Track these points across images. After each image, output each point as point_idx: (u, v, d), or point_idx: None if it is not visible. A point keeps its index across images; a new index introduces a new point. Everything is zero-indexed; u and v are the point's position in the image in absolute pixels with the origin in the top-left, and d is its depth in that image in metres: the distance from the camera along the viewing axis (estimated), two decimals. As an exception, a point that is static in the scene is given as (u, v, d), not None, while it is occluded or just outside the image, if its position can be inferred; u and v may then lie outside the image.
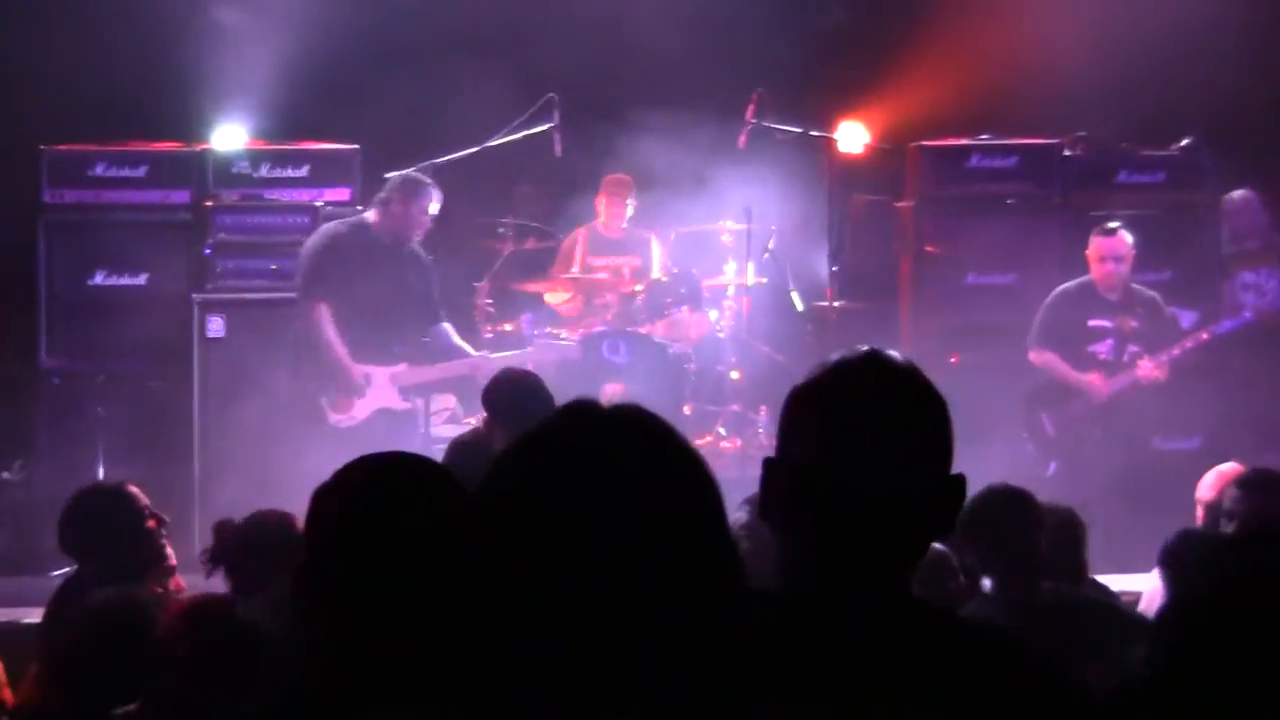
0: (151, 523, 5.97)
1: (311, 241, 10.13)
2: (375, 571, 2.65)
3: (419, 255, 10.21)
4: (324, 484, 2.83)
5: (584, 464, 1.76)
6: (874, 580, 2.46)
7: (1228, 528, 6.39)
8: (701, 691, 1.74)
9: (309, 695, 2.70)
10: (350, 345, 9.87)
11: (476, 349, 10.45)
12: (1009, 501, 5.75)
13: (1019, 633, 2.53)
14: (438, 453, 10.26)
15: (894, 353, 2.58)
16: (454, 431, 11.80)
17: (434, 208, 10.07)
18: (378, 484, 2.77)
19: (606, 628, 1.70)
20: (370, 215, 10.14)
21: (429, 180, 10.17)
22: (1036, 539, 5.63)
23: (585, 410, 1.83)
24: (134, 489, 6.12)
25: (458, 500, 2.66)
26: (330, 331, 9.87)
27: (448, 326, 10.26)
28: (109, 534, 5.88)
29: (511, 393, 7.70)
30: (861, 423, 2.47)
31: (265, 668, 4.26)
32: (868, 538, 2.45)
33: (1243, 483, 6.48)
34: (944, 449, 2.51)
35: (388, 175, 11.11)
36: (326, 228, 10.23)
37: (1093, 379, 10.41)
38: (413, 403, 10.13)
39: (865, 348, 2.56)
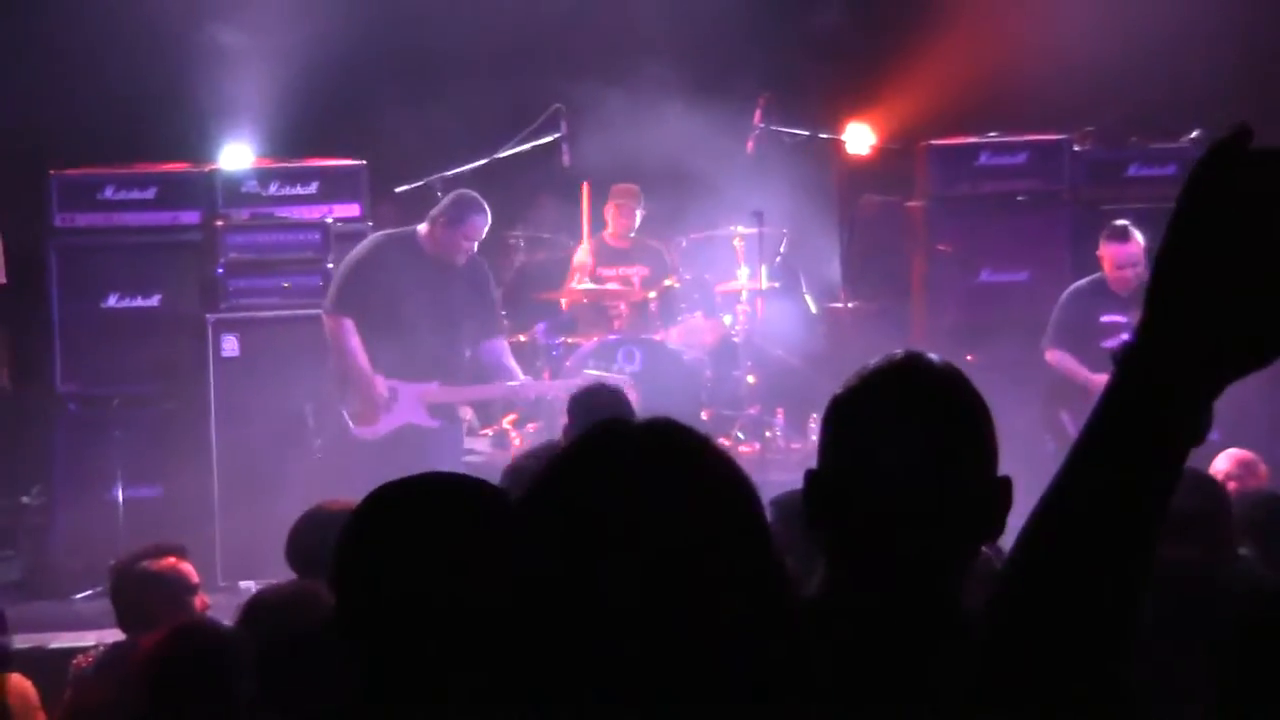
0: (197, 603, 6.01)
1: (354, 252, 10.07)
2: (414, 602, 2.59)
3: (476, 271, 10.11)
4: (358, 509, 2.74)
5: (624, 481, 1.75)
6: (915, 588, 2.45)
7: (1243, 545, 6.36)
8: (752, 703, 1.73)
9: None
10: (381, 359, 9.80)
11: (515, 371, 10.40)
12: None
13: None
14: (465, 466, 10.31)
15: (933, 356, 2.55)
16: (469, 443, 11.83)
17: (482, 233, 9.93)
18: (416, 511, 2.69)
19: (656, 645, 1.69)
20: (422, 228, 10.09)
21: (480, 204, 9.94)
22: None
23: (617, 429, 1.82)
24: None
25: (503, 524, 2.59)
26: (353, 341, 9.80)
27: (503, 344, 10.18)
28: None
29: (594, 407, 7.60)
30: (897, 427, 2.45)
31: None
32: (908, 546, 2.43)
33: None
34: (984, 452, 2.48)
35: (398, 189, 11.14)
36: (374, 239, 10.14)
37: (1104, 379, 10.34)
38: (441, 422, 10.04)
39: (903, 352, 2.54)
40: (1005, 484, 2.49)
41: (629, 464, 1.76)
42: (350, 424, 9.83)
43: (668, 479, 1.75)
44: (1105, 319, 10.41)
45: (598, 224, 12.27)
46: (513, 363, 10.23)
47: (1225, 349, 1.54)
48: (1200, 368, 1.55)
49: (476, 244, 9.97)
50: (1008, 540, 1.91)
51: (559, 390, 10.60)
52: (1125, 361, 1.58)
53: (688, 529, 1.72)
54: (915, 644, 2.38)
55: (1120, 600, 1.60)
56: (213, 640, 4.41)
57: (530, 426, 11.70)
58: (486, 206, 9.99)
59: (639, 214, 12.09)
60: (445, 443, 10.05)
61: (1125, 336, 10.37)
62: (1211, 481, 5.72)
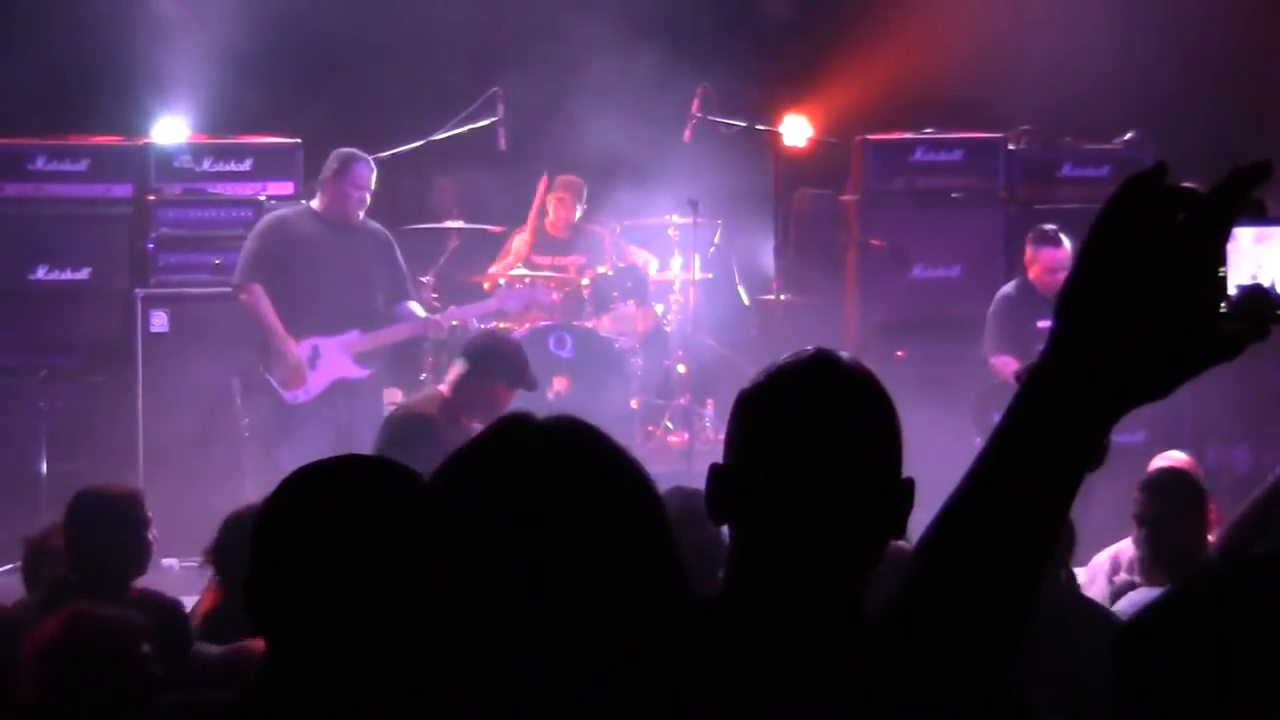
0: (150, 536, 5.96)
1: (254, 229, 10.08)
2: (331, 588, 2.57)
3: (379, 236, 10.08)
4: (277, 493, 2.71)
5: (523, 481, 1.74)
6: (819, 587, 2.45)
7: (1137, 533, 6.46)
8: (645, 702, 1.72)
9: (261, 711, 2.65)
10: (298, 320, 9.77)
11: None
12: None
13: None
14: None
15: (843, 354, 2.56)
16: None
17: (369, 180, 9.89)
18: (336, 496, 2.66)
19: (553, 644, 1.69)
20: (315, 200, 10.08)
21: (360, 155, 9.96)
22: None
23: (521, 424, 1.81)
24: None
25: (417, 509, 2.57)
26: (264, 307, 9.77)
27: (414, 305, 10.15)
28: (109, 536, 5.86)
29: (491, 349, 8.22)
30: (805, 426, 2.46)
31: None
32: (811, 542, 2.44)
33: (1145, 486, 6.58)
34: (890, 452, 2.49)
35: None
36: (271, 214, 10.17)
37: None
38: (370, 370, 10.02)
39: (812, 349, 2.54)
40: (909, 485, 2.50)
41: (533, 462, 1.76)
42: (281, 390, 9.78)
43: (571, 477, 1.75)
44: (1040, 324, 10.40)
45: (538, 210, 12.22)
46: (424, 312, 10.20)
47: (1126, 379, 1.57)
48: (1101, 397, 1.59)
49: (368, 194, 9.92)
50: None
51: (473, 314, 10.62)
52: (1029, 385, 1.61)
53: (590, 527, 1.72)
54: (819, 644, 2.39)
55: (1006, 616, 1.63)
56: (107, 627, 4.36)
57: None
58: (368, 157, 9.99)
59: (580, 207, 12.07)
60: (371, 395, 10.08)
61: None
62: None
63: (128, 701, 4.22)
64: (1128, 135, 11.87)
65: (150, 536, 5.96)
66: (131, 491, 6.17)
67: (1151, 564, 6.36)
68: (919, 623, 1.63)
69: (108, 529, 5.82)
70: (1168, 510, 6.38)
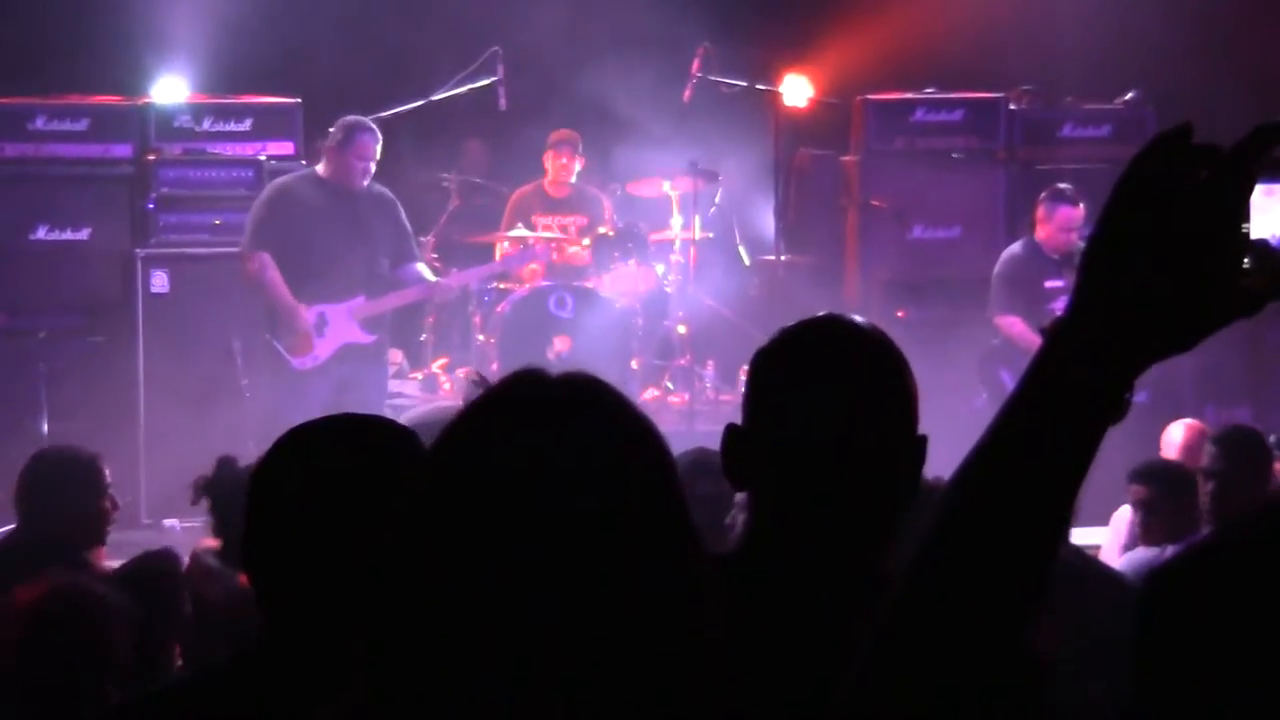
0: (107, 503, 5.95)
1: (259, 196, 10.05)
2: (327, 551, 2.56)
3: (382, 198, 10.04)
4: (277, 446, 2.69)
5: (535, 436, 1.74)
6: (837, 545, 2.47)
7: (1206, 486, 6.46)
8: (661, 664, 1.73)
9: (248, 679, 2.64)
10: (304, 287, 9.76)
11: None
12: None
13: None
14: (387, 409, 10.29)
15: (857, 316, 2.61)
16: (398, 386, 11.79)
17: (374, 151, 9.81)
18: (331, 456, 2.64)
19: (567, 604, 1.69)
20: (320, 165, 10.06)
21: (366, 124, 9.90)
22: None
23: (533, 379, 1.80)
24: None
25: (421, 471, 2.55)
26: (272, 274, 9.74)
27: (421, 266, 10.17)
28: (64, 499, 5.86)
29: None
30: (824, 387, 2.49)
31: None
32: (832, 502, 2.45)
33: (1220, 441, 6.58)
34: (905, 410, 2.52)
35: (331, 129, 11.06)
36: (275, 182, 10.13)
37: None
38: (376, 335, 10.04)
39: (825, 312, 2.60)
40: (921, 441, 2.53)
41: (544, 416, 1.75)
42: (288, 357, 9.79)
43: (583, 432, 1.74)
44: (1049, 284, 10.37)
45: (539, 171, 12.19)
46: (433, 278, 10.21)
47: (1149, 333, 1.58)
48: (1124, 351, 1.59)
49: (373, 164, 9.85)
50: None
51: (476, 277, 10.77)
52: (1052, 339, 1.62)
53: (603, 482, 1.72)
54: (837, 604, 2.40)
55: (1026, 575, 1.63)
56: (88, 600, 4.34)
57: (461, 371, 11.67)
58: (374, 126, 9.92)
59: (578, 160, 12.04)
60: (376, 360, 10.11)
61: (1066, 299, 10.37)
62: None
63: (101, 671, 4.21)
64: (1128, 95, 11.85)
65: (107, 504, 5.95)
66: (91, 456, 6.14)
67: (1214, 520, 6.36)
68: (936, 581, 1.63)
69: (60, 494, 5.81)
70: (1239, 466, 6.40)
